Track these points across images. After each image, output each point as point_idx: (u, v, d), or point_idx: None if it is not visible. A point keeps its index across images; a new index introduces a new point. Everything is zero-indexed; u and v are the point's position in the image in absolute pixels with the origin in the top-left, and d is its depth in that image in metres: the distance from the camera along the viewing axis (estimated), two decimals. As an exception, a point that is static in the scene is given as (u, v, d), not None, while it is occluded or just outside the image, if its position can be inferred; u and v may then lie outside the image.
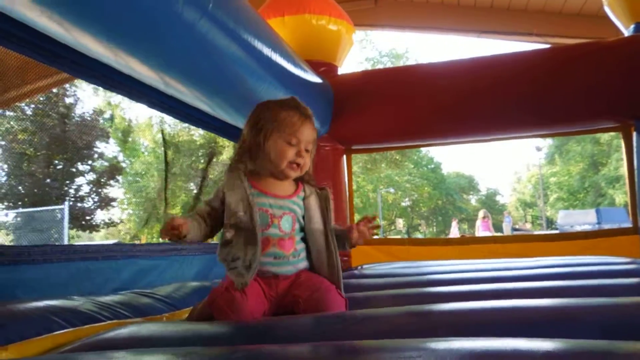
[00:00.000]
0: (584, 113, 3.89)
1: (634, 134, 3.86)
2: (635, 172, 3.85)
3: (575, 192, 34.32)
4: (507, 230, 19.16)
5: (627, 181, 4.05)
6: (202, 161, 20.36)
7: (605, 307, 1.15)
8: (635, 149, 3.84)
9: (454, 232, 20.91)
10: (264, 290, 1.58)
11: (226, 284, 1.56)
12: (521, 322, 1.09)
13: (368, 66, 26.71)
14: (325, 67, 4.29)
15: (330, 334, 1.13)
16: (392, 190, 32.18)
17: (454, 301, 1.46)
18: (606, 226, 17.81)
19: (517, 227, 27.40)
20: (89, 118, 19.69)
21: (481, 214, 16.02)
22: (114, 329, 1.29)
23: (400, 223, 34.50)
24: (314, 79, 3.78)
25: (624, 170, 4.21)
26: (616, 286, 1.73)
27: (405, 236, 30.08)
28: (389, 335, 1.06)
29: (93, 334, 1.30)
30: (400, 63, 26.65)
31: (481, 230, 15.15)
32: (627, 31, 4.07)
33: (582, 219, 22.40)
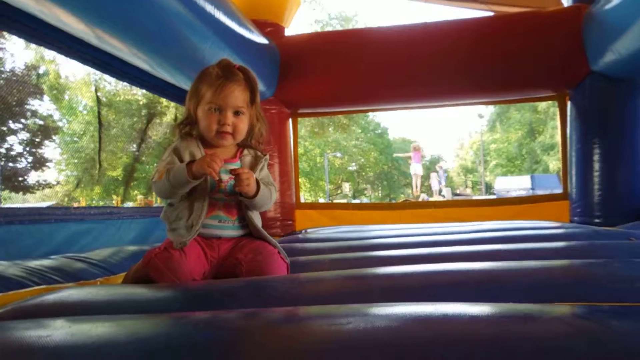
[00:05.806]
0: (522, 81, 4.00)
1: (569, 103, 4.02)
2: (568, 139, 4.03)
3: (513, 159, 35.78)
4: (438, 187, 18.06)
5: (560, 148, 4.24)
6: (144, 122, 19.67)
7: (531, 269, 1.21)
8: (569, 118, 4.01)
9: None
10: (205, 252, 1.56)
11: (164, 244, 1.53)
12: (452, 285, 1.13)
13: (317, 28, 26.39)
14: (271, 28, 4.17)
15: (269, 299, 1.13)
16: (339, 154, 32.34)
17: (391, 265, 1.49)
18: (539, 191, 18.78)
19: (458, 192, 28.37)
20: (20, 73, 18.50)
21: (413, 145, 17.19)
22: (40, 295, 1.23)
23: (346, 187, 34.90)
24: (260, 39, 3.68)
25: (558, 137, 4.39)
26: (544, 250, 1.82)
27: (352, 200, 30.53)
28: (327, 299, 1.07)
29: (16, 301, 1.24)
30: (350, 26, 26.46)
31: (414, 162, 15.93)
32: (566, 1, 4.17)
33: (518, 185, 23.60)
